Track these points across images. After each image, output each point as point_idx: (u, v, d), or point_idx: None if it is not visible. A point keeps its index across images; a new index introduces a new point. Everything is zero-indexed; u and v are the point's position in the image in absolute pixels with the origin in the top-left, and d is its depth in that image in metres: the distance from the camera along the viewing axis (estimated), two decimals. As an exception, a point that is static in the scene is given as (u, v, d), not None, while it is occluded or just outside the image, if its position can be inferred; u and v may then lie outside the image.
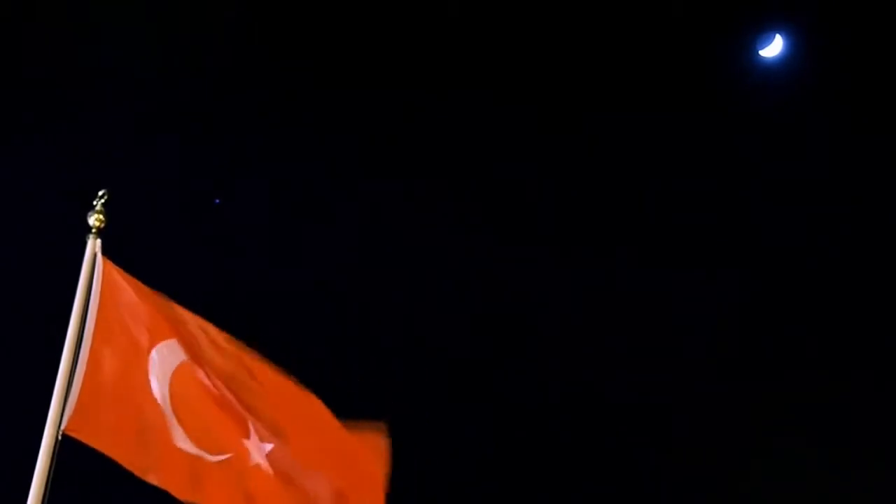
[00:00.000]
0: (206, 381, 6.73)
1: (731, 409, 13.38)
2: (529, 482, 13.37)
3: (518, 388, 13.51)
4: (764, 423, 13.31)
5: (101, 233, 7.05)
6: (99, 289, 6.81)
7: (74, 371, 6.61)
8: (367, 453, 6.88)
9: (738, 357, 13.60)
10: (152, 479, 6.57)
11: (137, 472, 6.56)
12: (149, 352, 6.76)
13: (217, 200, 13.02)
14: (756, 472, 13.32)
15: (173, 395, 6.69)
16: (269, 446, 6.73)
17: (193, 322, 6.92)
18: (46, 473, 6.39)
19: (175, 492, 6.57)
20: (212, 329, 6.94)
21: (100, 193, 7.18)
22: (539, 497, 13.44)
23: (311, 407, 6.96)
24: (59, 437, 6.46)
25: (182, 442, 6.62)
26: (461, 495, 13.18)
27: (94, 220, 7.07)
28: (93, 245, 6.99)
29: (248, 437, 6.71)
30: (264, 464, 6.67)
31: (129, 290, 6.87)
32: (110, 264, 6.93)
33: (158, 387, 6.72)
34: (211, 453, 6.64)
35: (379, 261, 13.15)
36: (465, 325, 13.41)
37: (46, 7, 12.29)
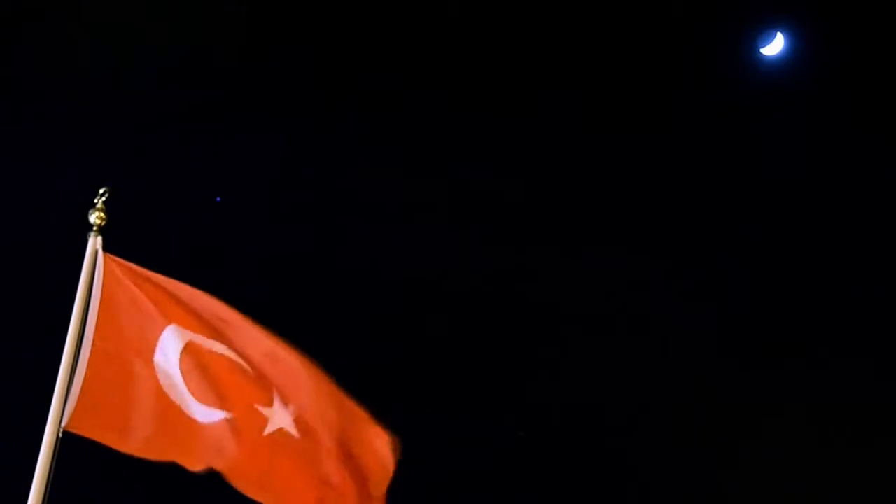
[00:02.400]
0: (220, 351, 6.77)
1: (731, 408, 13.37)
2: (529, 482, 13.36)
3: (518, 389, 13.50)
4: (764, 423, 13.31)
5: (102, 230, 7.08)
6: (100, 286, 6.83)
7: (75, 369, 6.61)
8: (380, 437, 6.94)
9: (739, 356, 13.59)
10: (170, 457, 6.58)
11: (150, 456, 6.57)
12: (155, 343, 6.77)
13: (218, 198, 13.03)
14: (756, 471, 13.32)
15: (185, 374, 6.71)
16: (292, 408, 6.75)
17: (203, 300, 6.94)
18: (47, 472, 6.39)
19: (196, 464, 6.58)
20: (223, 307, 6.99)
21: (101, 191, 7.21)
22: (539, 497, 13.42)
23: (326, 386, 6.98)
24: (60, 435, 6.46)
25: (202, 416, 6.64)
26: (461, 495, 13.17)
27: (95, 217, 7.09)
28: (94, 242, 7.01)
29: (270, 403, 6.73)
30: (289, 424, 6.71)
31: (131, 284, 6.88)
32: (111, 258, 6.95)
33: (168, 373, 6.72)
34: (232, 412, 6.65)
35: (378, 261, 13.15)
36: (465, 325, 13.40)
37: (46, 7, 12.29)
